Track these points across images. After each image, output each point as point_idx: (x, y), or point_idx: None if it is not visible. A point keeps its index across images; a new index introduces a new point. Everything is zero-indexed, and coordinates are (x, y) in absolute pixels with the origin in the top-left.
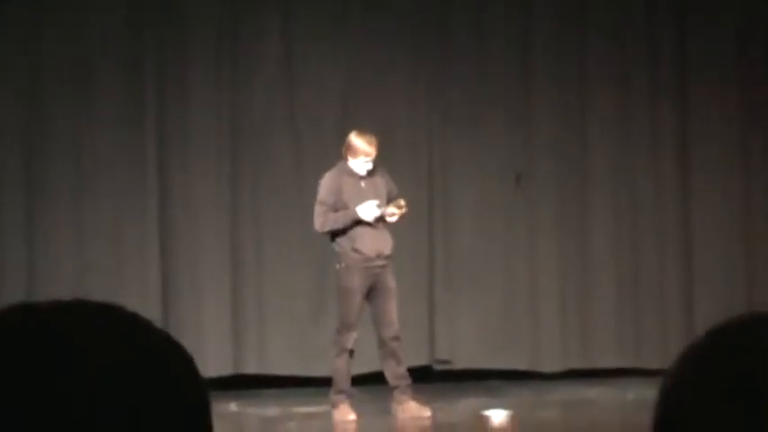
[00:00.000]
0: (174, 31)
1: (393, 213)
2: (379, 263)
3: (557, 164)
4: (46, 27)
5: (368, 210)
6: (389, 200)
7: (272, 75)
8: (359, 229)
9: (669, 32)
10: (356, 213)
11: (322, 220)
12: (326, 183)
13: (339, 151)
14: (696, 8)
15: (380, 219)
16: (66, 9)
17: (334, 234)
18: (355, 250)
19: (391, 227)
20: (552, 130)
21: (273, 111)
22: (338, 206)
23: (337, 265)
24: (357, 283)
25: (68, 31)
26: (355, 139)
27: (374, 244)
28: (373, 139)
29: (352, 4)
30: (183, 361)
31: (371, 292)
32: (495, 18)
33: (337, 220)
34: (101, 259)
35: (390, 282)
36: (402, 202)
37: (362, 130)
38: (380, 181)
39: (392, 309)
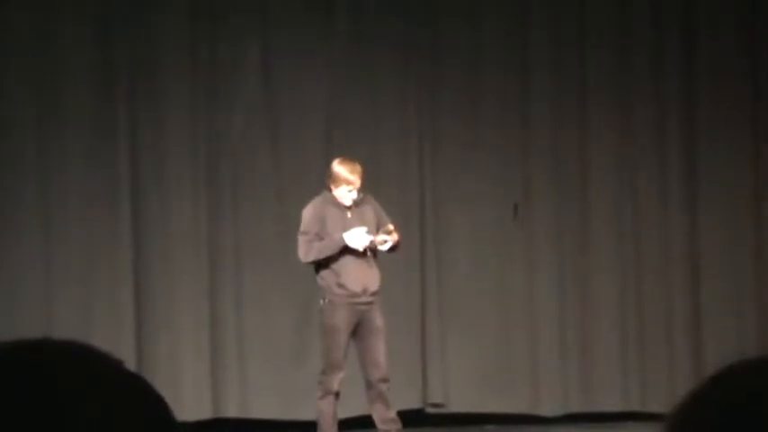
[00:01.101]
0: (146, 52)
1: (384, 240)
2: (366, 299)
3: (556, 193)
4: (11, 53)
5: (356, 237)
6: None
7: (252, 98)
8: (345, 262)
9: (676, 52)
10: (343, 240)
11: (305, 250)
12: (309, 212)
13: (323, 181)
14: (703, 40)
15: (371, 251)
16: (33, 33)
17: (318, 266)
18: (340, 285)
19: (381, 261)
20: (551, 158)
21: (253, 138)
22: (322, 237)
23: (321, 301)
24: (342, 320)
25: (35, 56)
26: (337, 166)
27: (360, 279)
28: (357, 167)
29: (338, 22)
30: (155, 403)
31: (357, 331)
32: (490, 39)
33: (322, 249)
34: (70, 295)
35: (377, 320)
36: (391, 227)
37: (346, 157)
38: (369, 212)
39: (380, 349)
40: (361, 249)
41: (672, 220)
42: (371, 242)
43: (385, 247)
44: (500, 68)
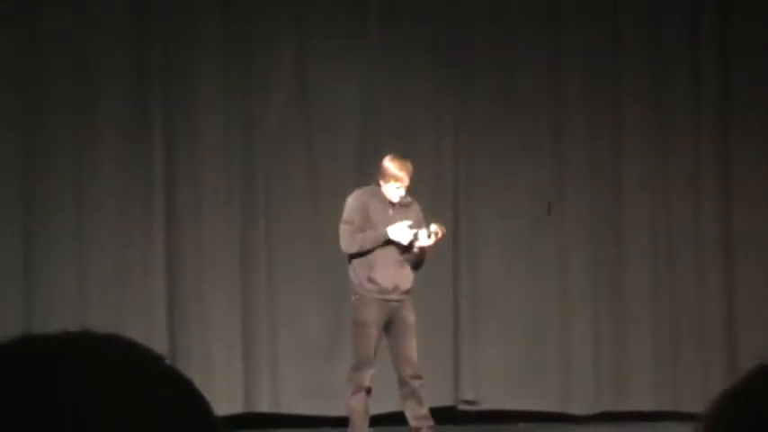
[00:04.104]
0: (180, 54)
1: (428, 235)
2: (397, 297)
3: (590, 192)
4: (45, 55)
5: (400, 231)
6: None
7: (286, 103)
8: (378, 258)
9: (711, 58)
10: (387, 234)
11: (348, 241)
12: (352, 201)
13: (356, 181)
14: (738, 49)
15: (408, 248)
16: (67, 37)
17: (352, 260)
18: (371, 280)
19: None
20: (585, 158)
21: (287, 138)
22: (365, 228)
23: (353, 297)
24: (373, 315)
25: (69, 60)
26: (388, 162)
27: (392, 276)
28: (407, 166)
29: (372, 24)
30: (195, 399)
31: (389, 328)
32: (524, 42)
33: (366, 240)
34: (104, 292)
35: (409, 317)
36: (434, 228)
37: (398, 154)
38: (412, 213)
39: (411, 346)
40: (405, 243)
41: (706, 219)
42: (415, 235)
43: (428, 242)
44: (533, 70)
